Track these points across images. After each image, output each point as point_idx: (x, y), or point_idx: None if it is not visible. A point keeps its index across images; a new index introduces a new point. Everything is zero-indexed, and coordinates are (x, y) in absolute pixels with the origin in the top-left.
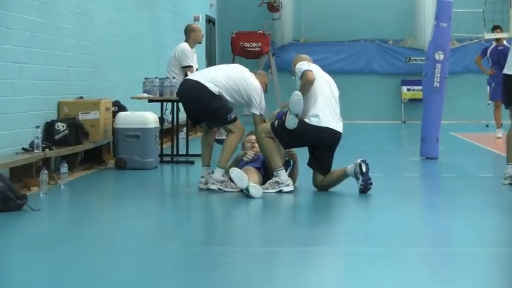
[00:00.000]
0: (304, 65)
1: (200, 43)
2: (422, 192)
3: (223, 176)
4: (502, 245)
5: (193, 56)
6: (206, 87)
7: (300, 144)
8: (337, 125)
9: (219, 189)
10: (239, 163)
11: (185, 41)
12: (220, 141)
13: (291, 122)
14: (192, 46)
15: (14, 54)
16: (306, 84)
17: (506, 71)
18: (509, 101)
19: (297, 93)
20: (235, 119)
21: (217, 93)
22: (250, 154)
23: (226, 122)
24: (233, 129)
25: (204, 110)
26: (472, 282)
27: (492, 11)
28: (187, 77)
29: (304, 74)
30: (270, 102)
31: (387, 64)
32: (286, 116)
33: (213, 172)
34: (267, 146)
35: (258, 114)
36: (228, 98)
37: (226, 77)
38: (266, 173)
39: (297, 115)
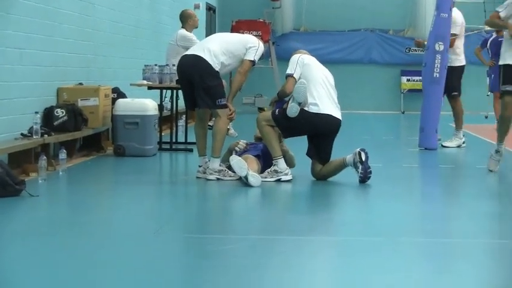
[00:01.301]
0: (294, 62)
1: (197, 27)
2: (421, 182)
3: (220, 165)
4: (500, 236)
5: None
6: (205, 59)
7: (300, 132)
8: (337, 112)
9: (218, 179)
10: (236, 153)
11: (182, 27)
12: None
13: (293, 110)
14: (190, 31)
15: (14, 39)
16: (282, 93)
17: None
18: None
19: (303, 81)
20: (224, 106)
21: (216, 69)
22: (242, 144)
23: (214, 105)
24: (220, 114)
25: (200, 82)
26: (469, 273)
27: (493, 1)
28: (184, 53)
29: (286, 80)
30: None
31: (387, 54)
32: (287, 104)
33: (210, 161)
34: (267, 133)
35: (252, 59)
36: (229, 61)
37: (220, 42)
38: (265, 162)
39: (299, 103)
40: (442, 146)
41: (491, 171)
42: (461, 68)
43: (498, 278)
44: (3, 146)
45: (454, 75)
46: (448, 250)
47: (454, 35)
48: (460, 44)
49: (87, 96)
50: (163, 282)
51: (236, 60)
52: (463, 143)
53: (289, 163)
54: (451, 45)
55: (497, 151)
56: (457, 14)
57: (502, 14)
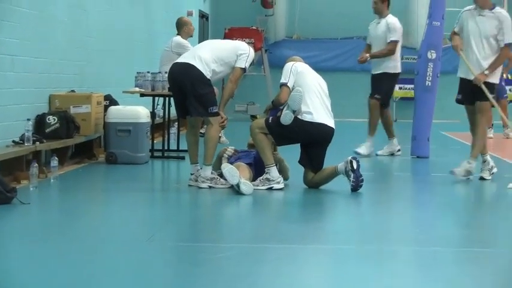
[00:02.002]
0: (287, 70)
1: (192, 36)
2: (413, 191)
3: (212, 173)
4: (492, 245)
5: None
6: (196, 67)
7: (294, 140)
8: (330, 121)
9: (210, 186)
10: (228, 160)
11: (177, 34)
12: None
13: (287, 117)
14: (185, 39)
15: (6, 46)
16: (277, 102)
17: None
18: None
19: (299, 89)
20: (216, 114)
21: (207, 76)
22: (230, 150)
23: (206, 113)
24: (212, 121)
25: (191, 90)
26: (460, 282)
27: None
28: (175, 61)
29: (280, 89)
30: (261, 99)
31: None
32: (281, 112)
33: (202, 169)
34: (260, 141)
35: (243, 67)
36: (220, 68)
37: (211, 49)
38: (257, 170)
39: (293, 111)
40: (376, 154)
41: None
42: (397, 75)
43: (488, 286)
44: None
45: (388, 82)
46: (440, 259)
47: (395, 41)
48: (398, 51)
49: (79, 104)
50: None
51: (227, 68)
52: (398, 150)
53: (283, 173)
54: (393, 51)
55: (484, 161)
56: (395, 20)
57: (456, 29)
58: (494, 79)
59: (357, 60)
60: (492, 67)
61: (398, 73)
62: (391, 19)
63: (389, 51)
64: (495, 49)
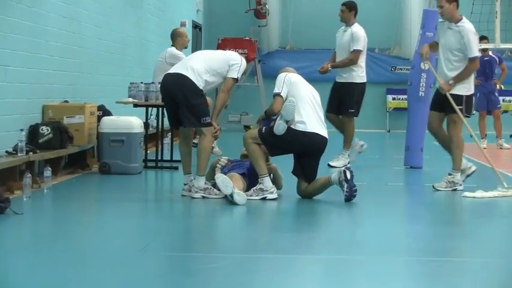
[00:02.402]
0: (281, 81)
1: (186, 47)
2: (406, 201)
3: (205, 183)
4: (484, 255)
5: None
6: (188, 78)
7: (287, 150)
8: (323, 131)
9: (203, 197)
10: (221, 170)
11: (172, 45)
12: None
13: (280, 128)
14: (179, 50)
15: None
16: (270, 112)
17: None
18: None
19: (292, 100)
20: (209, 124)
21: (200, 87)
22: (223, 160)
23: (199, 123)
24: (205, 132)
25: (184, 101)
26: None
27: (478, 21)
28: (167, 72)
29: (274, 99)
30: (255, 109)
31: (372, 73)
32: (275, 122)
33: (195, 179)
34: (253, 151)
35: (235, 77)
36: (212, 79)
37: (203, 59)
38: (251, 180)
39: (287, 121)
40: (328, 165)
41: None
42: (363, 85)
43: None
44: None
45: (355, 92)
46: (433, 269)
47: (358, 50)
48: (363, 60)
49: (73, 114)
50: None
51: (219, 78)
52: (349, 162)
53: (277, 183)
54: (356, 61)
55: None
56: (359, 29)
57: (436, 39)
58: (462, 91)
59: (317, 70)
60: (456, 78)
61: (365, 82)
62: (356, 28)
63: (350, 61)
64: (462, 62)
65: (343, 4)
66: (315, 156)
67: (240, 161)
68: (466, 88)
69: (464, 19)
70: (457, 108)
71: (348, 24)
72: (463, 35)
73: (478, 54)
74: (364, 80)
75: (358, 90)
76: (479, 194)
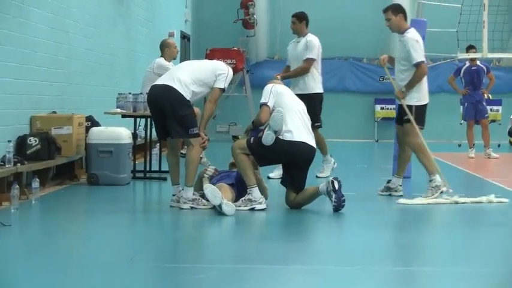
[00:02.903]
0: (267, 91)
1: (175, 58)
2: (395, 211)
3: (194, 194)
4: (473, 264)
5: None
6: (175, 89)
7: (275, 161)
8: (311, 140)
9: (192, 207)
10: (209, 180)
11: (161, 56)
12: None
13: (268, 138)
14: (168, 61)
15: None
16: (257, 122)
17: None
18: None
19: (279, 110)
20: (197, 135)
21: (187, 98)
22: (210, 170)
23: (187, 134)
24: (193, 143)
25: (171, 112)
26: None
27: (465, 31)
28: (154, 83)
29: (260, 109)
30: (243, 119)
31: (361, 82)
32: (263, 132)
33: (183, 190)
34: (242, 162)
35: (222, 88)
36: (199, 89)
37: (190, 70)
38: (239, 190)
39: (275, 132)
40: (316, 176)
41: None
42: (322, 95)
43: None
44: None
45: (316, 103)
46: (421, 279)
47: (311, 59)
48: (319, 69)
49: (61, 125)
50: None
51: (206, 88)
52: (334, 163)
53: (262, 193)
54: (308, 69)
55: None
56: (314, 39)
57: None
58: (412, 101)
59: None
60: (407, 86)
61: (323, 93)
62: (311, 37)
63: (302, 69)
64: (411, 70)
65: (294, 16)
66: (303, 167)
67: (228, 172)
68: (416, 98)
69: (410, 29)
70: (412, 118)
71: (301, 35)
72: (405, 44)
73: (421, 59)
74: (322, 91)
75: (318, 100)
76: (417, 200)
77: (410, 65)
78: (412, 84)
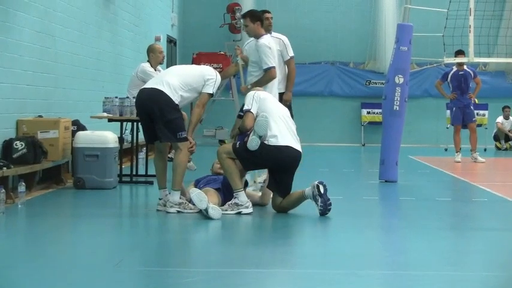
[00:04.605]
0: (250, 98)
1: (161, 63)
2: (381, 215)
3: (180, 198)
4: (460, 268)
5: (156, 74)
6: (164, 93)
7: (261, 165)
8: (297, 145)
9: (178, 211)
10: (197, 184)
11: (147, 61)
12: None
13: (253, 143)
14: (153, 66)
15: None
16: (242, 128)
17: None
18: None
19: (264, 115)
20: (185, 139)
21: (176, 102)
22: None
23: (175, 138)
24: (181, 147)
25: (160, 116)
26: None
27: (452, 35)
28: (142, 87)
29: (245, 115)
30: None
31: (347, 87)
32: (248, 137)
33: (170, 194)
34: (228, 166)
35: (210, 93)
36: (187, 94)
37: (179, 74)
38: (226, 195)
39: (260, 137)
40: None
41: None
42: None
43: None
44: None
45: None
46: (409, 282)
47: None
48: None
49: (47, 129)
50: None
51: (195, 93)
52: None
53: (251, 197)
54: (275, 74)
55: None
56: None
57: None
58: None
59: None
60: (253, 84)
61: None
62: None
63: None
64: (258, 73)
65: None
66: (289, 171)
67: (215, 176)
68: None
69: (265, 36)
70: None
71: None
72: (258, 49)
73: (272, 64)
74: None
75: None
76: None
77: (258, 68)
78: (259, 85)
